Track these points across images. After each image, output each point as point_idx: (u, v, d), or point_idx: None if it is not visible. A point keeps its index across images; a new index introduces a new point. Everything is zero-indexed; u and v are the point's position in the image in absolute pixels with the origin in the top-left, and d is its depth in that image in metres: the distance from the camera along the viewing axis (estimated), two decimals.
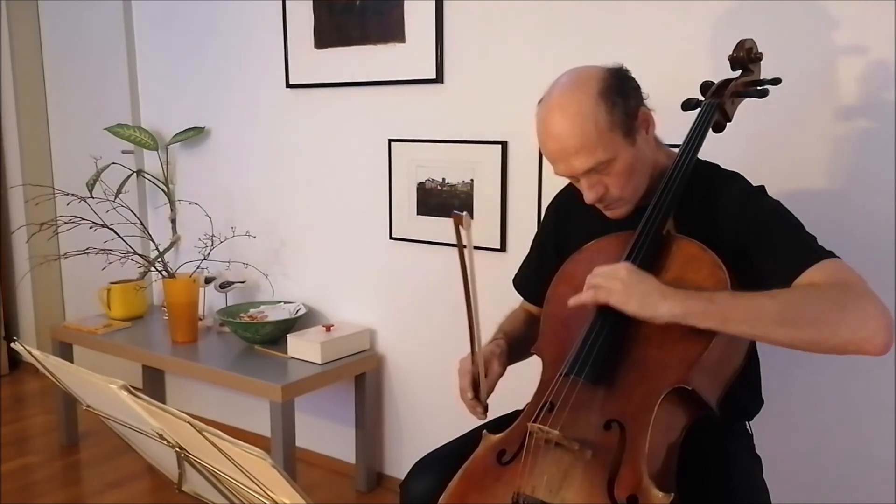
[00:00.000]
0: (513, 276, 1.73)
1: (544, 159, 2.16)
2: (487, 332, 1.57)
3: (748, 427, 1.51)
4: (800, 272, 1.21)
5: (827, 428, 1.87)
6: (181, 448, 1.05)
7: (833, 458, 1.87)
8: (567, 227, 1.58)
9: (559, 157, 1.34)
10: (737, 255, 1.27)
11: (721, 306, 1.16)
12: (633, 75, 1.39)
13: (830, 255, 1.24)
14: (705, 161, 1.45)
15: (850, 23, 1.73)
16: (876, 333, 1.11)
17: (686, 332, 1.19)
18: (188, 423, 0.91)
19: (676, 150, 1.43)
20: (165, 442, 1.06)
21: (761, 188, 1.38)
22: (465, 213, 1.25)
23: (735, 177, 1.41)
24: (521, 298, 1.72)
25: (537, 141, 1.38)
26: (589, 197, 1.37)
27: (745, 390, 1.42)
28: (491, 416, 1.49)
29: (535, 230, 2.21)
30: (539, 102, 1.38)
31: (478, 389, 1.44)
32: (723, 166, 1.46)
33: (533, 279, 1.64)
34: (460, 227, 1.24)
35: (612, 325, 1.25)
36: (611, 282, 1.22)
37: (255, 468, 0.88)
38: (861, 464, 1.84)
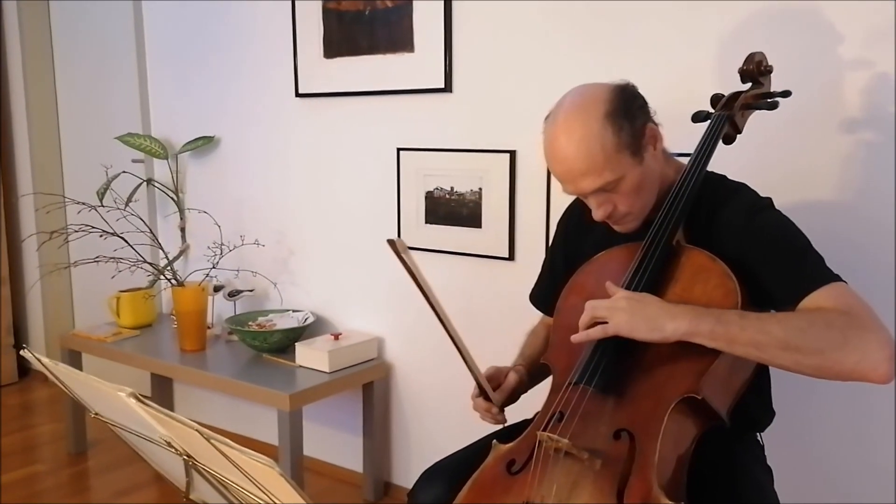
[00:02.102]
0: (529, 291, 1.72)
1: None
2: (498, 343, 1.57)
3: (759, 438, 1.50)
4: (805, 295, 1.21)
5: (839, 439, 1.86)
6: (189, 456, 1.05)
7: (845, 470, 1.86)
8: (577, 240, 1.58)
9: (566, 178, 1.34)
10: (742, 270, 1.26)
11: (728, 327, 1.16)
12: (642, 89, 1.38)
13: (837, 278, 1.23)
14: (712, 172, 1.44)
15: (855, 37, 1.73)
16: (879, 364, 1.12)
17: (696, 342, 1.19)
18: (196, 430, 0.91)
19: (686, 161, 1.43)
20: (173, 450, 1.06)
21: (769, 202, 1.36)
22: (398, 238, 1.22)
23: (742, 189, 1.40)
24: (535, 312, 1.71)
25: (544, 160, 1.38)
26: (597, 214, 1.37)
27: (755, 401, 1.41)
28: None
29: (544, 239, 2.22)
30: (545, 119, 1.37)
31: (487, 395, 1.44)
32: (731, 177, 1.45)
33: (548, 293, 1.62)
34: (400, 252, 1.22)
35: None
36: (614, 313, 1.21)
37: (263, 477, 0.88)
38: (873, 477, 1.82)
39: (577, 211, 1.60)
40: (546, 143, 1.35)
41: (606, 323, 1.22)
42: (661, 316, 1.18)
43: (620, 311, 1.21)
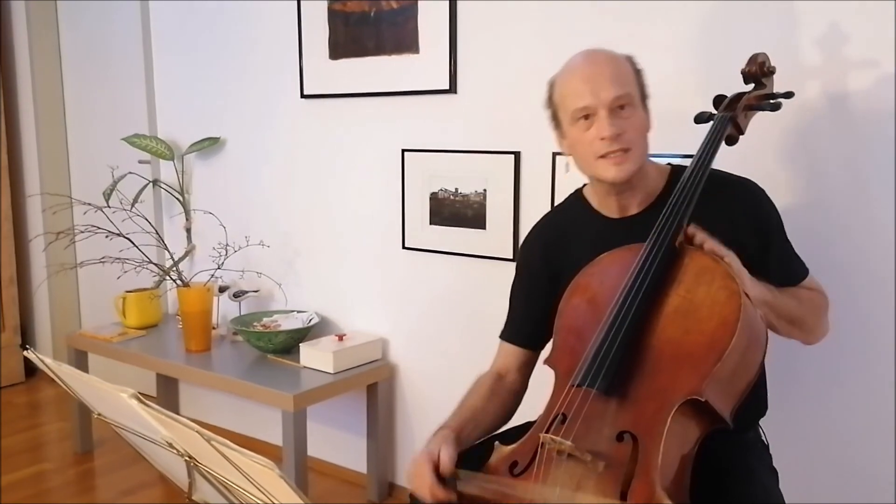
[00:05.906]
0: (499, 334, 1.62)
1: (557, 168, 2.17)
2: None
3: (764, 437, 1.50)
4: (800, 280, 1.47)
5: (840, 440, 1.85)
6: (190, 457, 1.05)
7: (846, 471, 1.85)
8: (558, 250, 1.54)
9: (592, 80, 1.37)
10: (743, 253, 1.29)
11: (775, 297, 1.34)
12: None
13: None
14: (714, 169, 1.44)
15: (861, 38, 1.72)
16: (826, 332, 1.49)
17: (699, 343, 1.20)
18: (197, 432, 0.91)
19: (683, 162, 1.44)
20: (175, 451, 1.06)
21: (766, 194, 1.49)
22: None
23: (744, 180, 1.48)
24: (491, 362, 1.61)
25: (559, 85, 1.43)
26: (608, 131, 1.35)
27: (750, 397, 1.40)
28: (504, 427, 1.48)
29: None
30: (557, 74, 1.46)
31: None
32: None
33: (524, 325, 1.58)
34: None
35: (625, 335, 1.25)
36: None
37: (263, 478, 0.88)
38: (874, 477, 1.82)
39: (549, 224, 1.60)
40: (571, 60, 1.43)
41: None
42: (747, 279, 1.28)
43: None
